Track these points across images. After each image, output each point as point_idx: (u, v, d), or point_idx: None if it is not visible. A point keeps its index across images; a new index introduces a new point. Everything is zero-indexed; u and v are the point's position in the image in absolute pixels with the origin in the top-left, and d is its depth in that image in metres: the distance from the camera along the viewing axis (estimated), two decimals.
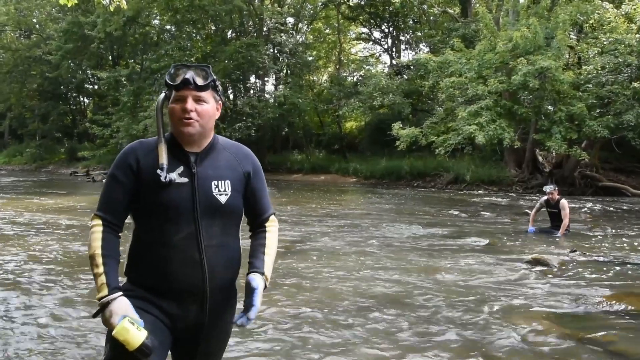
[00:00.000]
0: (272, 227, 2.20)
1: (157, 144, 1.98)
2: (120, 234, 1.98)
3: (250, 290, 1.97)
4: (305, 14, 36.11)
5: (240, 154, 2.12)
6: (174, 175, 1.93)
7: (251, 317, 1.94)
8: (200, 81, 1.96)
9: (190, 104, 1.94)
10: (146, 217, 1.97)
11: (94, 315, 1.89)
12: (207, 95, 1.98)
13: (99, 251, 1.88)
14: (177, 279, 1.93)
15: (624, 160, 22.04)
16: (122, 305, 1.83)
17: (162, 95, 2.04)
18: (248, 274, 2.04)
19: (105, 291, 1.83)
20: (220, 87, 2.06)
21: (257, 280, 1.99)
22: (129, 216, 2.03)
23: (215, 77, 2.01)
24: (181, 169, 1.96)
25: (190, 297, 1.96)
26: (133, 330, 1.75)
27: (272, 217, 2.21)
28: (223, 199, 1.98)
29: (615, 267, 6.76)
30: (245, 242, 2.10)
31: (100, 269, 1.86)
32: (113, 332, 1.76)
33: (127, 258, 2.01)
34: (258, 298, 1.95)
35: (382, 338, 4.04)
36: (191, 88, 1.94)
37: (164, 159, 1.94)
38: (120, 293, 1.86)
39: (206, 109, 1.98)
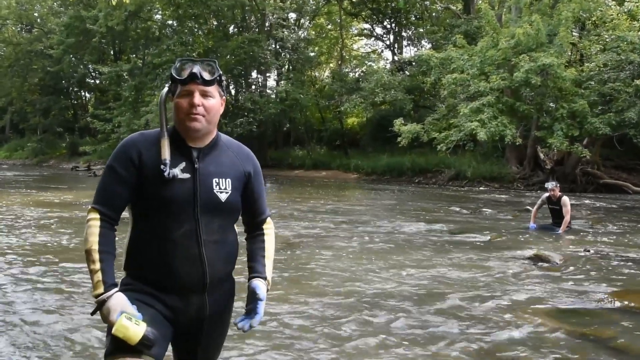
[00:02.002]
0: (269, 230, 2.22)
1: (160, 138, 1.96)
2: (116, 228, 1.96)
3: (254, 298, 1.99)
4: (307, 10, 36.06)
5: (242, 154, 2.12)
6: (176, 171, 1.92)
7: (254, 325, 1.97)
8: (207, 76, 1.94)
9: (198, 99, 1.93)
10: (146, 211, 1.95)
11: (92, 313, 1.89)
12: (213, 90, 1.97)
13: (95, 246, 1.86)
14: (177, 274, 1.93)
15: (625, 157, 22.03)
16: (119, 302, 1.82)
17: (165, 89, 2.03)
18: (250, 278, 2.05)
19: (101, 289, 1.83)
20: (225, 83, 2.06)
21: (261, 288, 2.02)
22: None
23: (221, 72, 2.00)
24: (183, 164, 1.94)
25: (191, 292, 1.96)
26: (132, 326, 1.75)
27: (269, 220, 2.23)
28: (223, 196, 1.98)
29: (617, 264, 6.76)
30: (242, 242, 2.11)
31: (97, 266, 1.85)
32: (112, 331, 1.76)
33: (125, 252, 2.00)
34: (262, 307, 1.99)
35: (383, 333, 4.04)
36: (198, 82, 1.93)
37: (166, 154, 1.92)
38: (116, 289, 1.85)
39: (212, 103, 1.97)
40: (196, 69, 1.94)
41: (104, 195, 1.95)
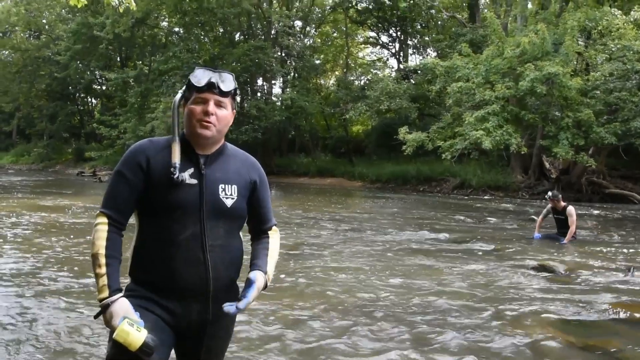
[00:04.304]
0: (275, 234, 2.23)
1: (172, 142, 1.99)
2: (123, 233, 1.99)
3: (247, 284, 1.98)
4: (313, 18, 36.21)
5: (248, 163, 2.15)
6: (185, 175, 1.95)
7: (240, 306, 1.92)
8: (224, 87, 1.99)
9: (212, 108, 1.97)
10: (152, 216, 1.98)
11: (96, 317, 1.91)
12: (227, 101, 2.01)
13: (102, 251, 1.89)
14: (181, 277, 1.94)
15: (631, 167, 21.94)
16: (122, 307, 1.84)
17: (179, 94, 2.06)
18: (250, 271, 2.06)
19: (106, 293, 1.85)
20: (237, 97, 2.09)
21: (256, 275, 2.01)
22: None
23: (237, 87, 2.04)
24: (191, 170, 1.98)
25: (194, 296, 1.97)
26: (133, 332, 1.77)
27: (275, 228, 2.25)
28: (229, 202, 2.01)
29: (622, 274, 6.72)
30: (247, 248, 2.12)
31: (103, 270, 1.87)
32: (114, 335, 1.78)
33: (130, 258, 2.02)
34: (253, 292, 1.96)
35: (385, 341, 4.04)
36: (215, 92, 1.97)
37: (177, 158, 1.95)
38: (121, 294, 1.88)
39: (225, 114, 2.01)
40: (215, 78, 1.98)
41: (112, 200, 1.97)
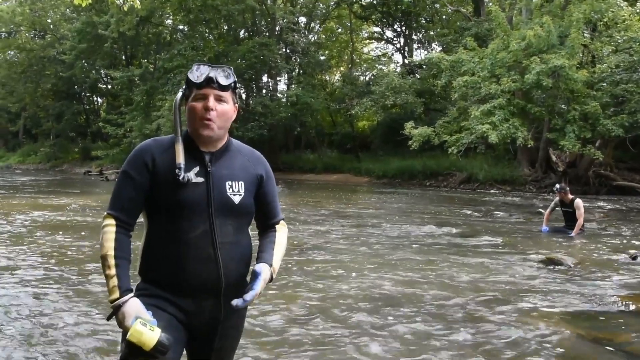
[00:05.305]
0: (282, 228, 2.23)
1: (175, 142, 1.98)
2: (132, 233, 1.99)
3: (253, 276, 1.98)
4: (317, 14, 36.15)
5: (254, 158, 2.15)
6: (191, 175, 1.95)
7: (247, 298, 1.92)
8: (223, 80, 1.98)
9: (212, 102, 1.96)
10: (160, 215, 1.98)
11: (108, 318, 1.91)
12: (227, 95, 2.00)
13: (111, 252, 1.89)
14: (192, 276, 1.94)
15: (638, 159, 21.80)
16: (134, 307, 1.85)
17: (180, 93, 2.05)
18: (256, 264, 2.05)
19: (116, 294, 1.85)
20: (239, 91, 2.09)
21: (262, 268, 2.00)
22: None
23: (236, 80, 2.04)
24: (197, 168, 1.97)
25: (205, 294, 1.98)
26: (146, 332, 1.77)
27: (282, 222, 2.24)
28: (237, 199, 2.00)
29: (631, 267, 6.70)
30: (255, 243, 2.13)
31: (112, 271, 1.87)
32: (127, 336, 1.78)
33: (140, 257, 2.02)
34: (259, 284, 1.95)
35: (392, 337, 4.04)
36: (214, 87, 1.96)
37: (181, 158, 1.94)
38: (132, 295, 1.88)
39: (226, 109, 2.00)
40: (212, 73, 1.97)
41: (119, 201, 1.98)
